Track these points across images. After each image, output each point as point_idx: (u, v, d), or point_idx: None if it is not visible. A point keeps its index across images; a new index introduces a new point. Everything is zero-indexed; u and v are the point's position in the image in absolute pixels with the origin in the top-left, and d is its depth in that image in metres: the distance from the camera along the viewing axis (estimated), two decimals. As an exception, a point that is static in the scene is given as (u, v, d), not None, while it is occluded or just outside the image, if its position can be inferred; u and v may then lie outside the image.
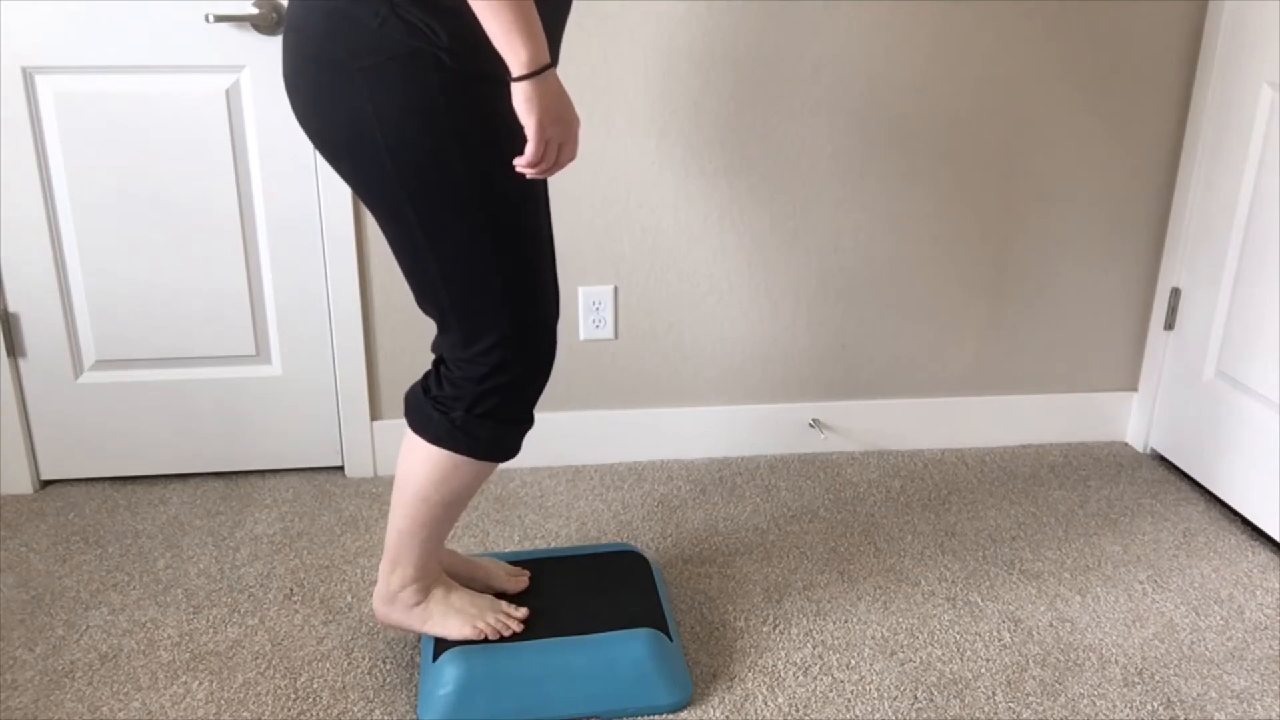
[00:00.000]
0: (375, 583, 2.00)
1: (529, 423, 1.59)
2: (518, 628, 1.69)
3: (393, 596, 1.69)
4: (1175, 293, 2.42)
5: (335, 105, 1.38)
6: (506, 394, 1.54)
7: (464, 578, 1.79)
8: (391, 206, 1.44)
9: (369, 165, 1.40)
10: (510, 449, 1.59)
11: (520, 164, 1.35)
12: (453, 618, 1.68)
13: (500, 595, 1.78)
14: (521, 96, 1.30)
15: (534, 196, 1.47)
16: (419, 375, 2.34)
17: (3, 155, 2.09)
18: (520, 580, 1.81)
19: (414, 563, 1.66)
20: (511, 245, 1.46)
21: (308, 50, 1.38)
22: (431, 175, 1.39)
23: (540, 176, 1.38)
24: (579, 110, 2.19)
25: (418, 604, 1.69)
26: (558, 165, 1.38)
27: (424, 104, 1.35)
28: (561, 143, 1.36)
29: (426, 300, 1.53)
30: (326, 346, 2.31)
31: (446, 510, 1.62)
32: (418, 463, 1.59)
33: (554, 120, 1.33)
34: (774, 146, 2.27)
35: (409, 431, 1.60)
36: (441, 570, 1.73)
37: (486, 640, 1.67)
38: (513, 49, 1.28)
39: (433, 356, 1.60)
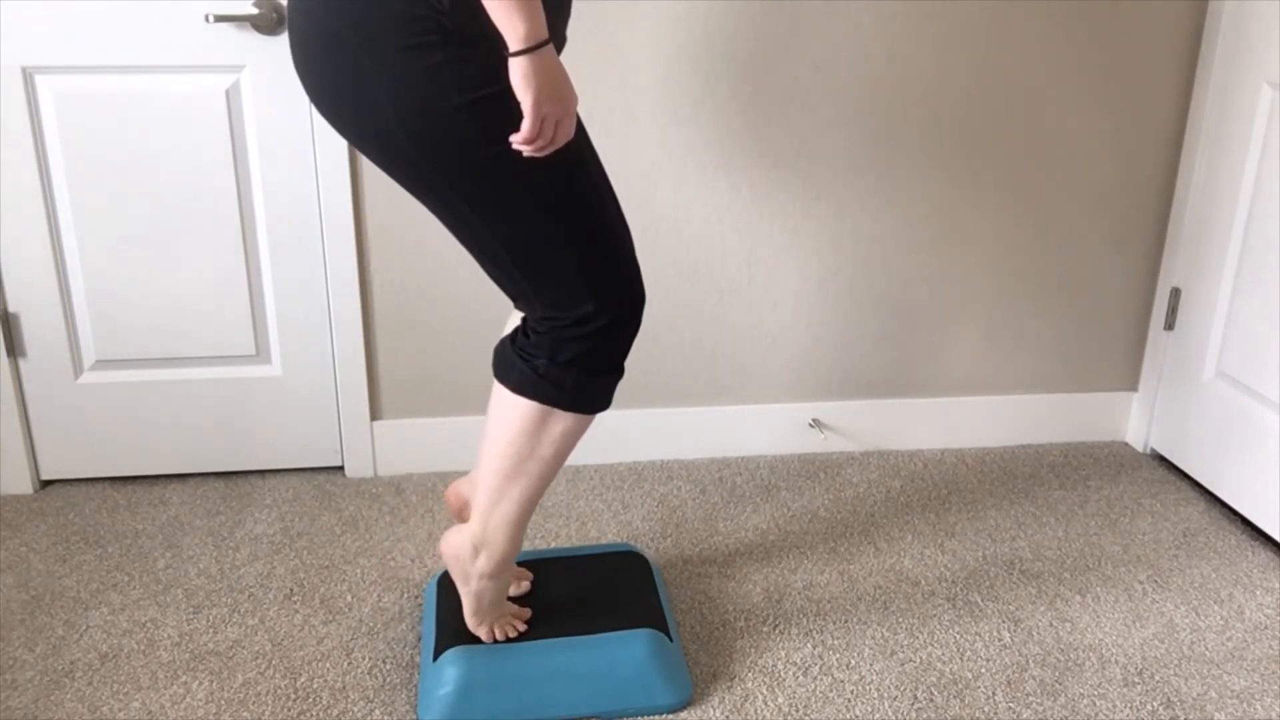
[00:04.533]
0: (375, 583, 2.00)
1: (618, 373, 1.55)
2: (522, 628, 1.70)
3: (465, 568, 1.64)
4: (1175, 293, 2.42)
5: (345, 81, 1.37)
6: (594, 341, 1.50)
7: None
8: (425, 184, 1.42)
9: (390, 142, 1.39)
10: (599, 401, 1.54)
11: (516, 141, 1.34)
12: (489, 610, 1.67)
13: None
14: (519, 72, 1.29)
15: (570, 151, 1.43)
16: (419, 375, 2.34)
17: (3, 155, 2.09)
18: (522, 584, 1.81)
19: (500, 552, 1.62)
20: (562, 201, 1.43)
21: (313, 30, 1.38)
22: (453, 143, 1.37)
23: (536, 154, 1.36)
24: (581, 112, 2.19)
25: (479, 588, 1.66)
26: (553, 144, 1.36)
27: (429, 67, 1.33)
28: (558, 120, 1.34)
29: (500, 276, 1.50)
30: (326, 346, 2.31)
31: (539, 470, 1.57)
32: (506, 416, 1.54)
33: (551, 97, 1.31)
34: (774, 146, 2.27)
35: (496, 385, 1.56)
36: (514, 569, 1.70)
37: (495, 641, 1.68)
38: (510, 23, 1.27)
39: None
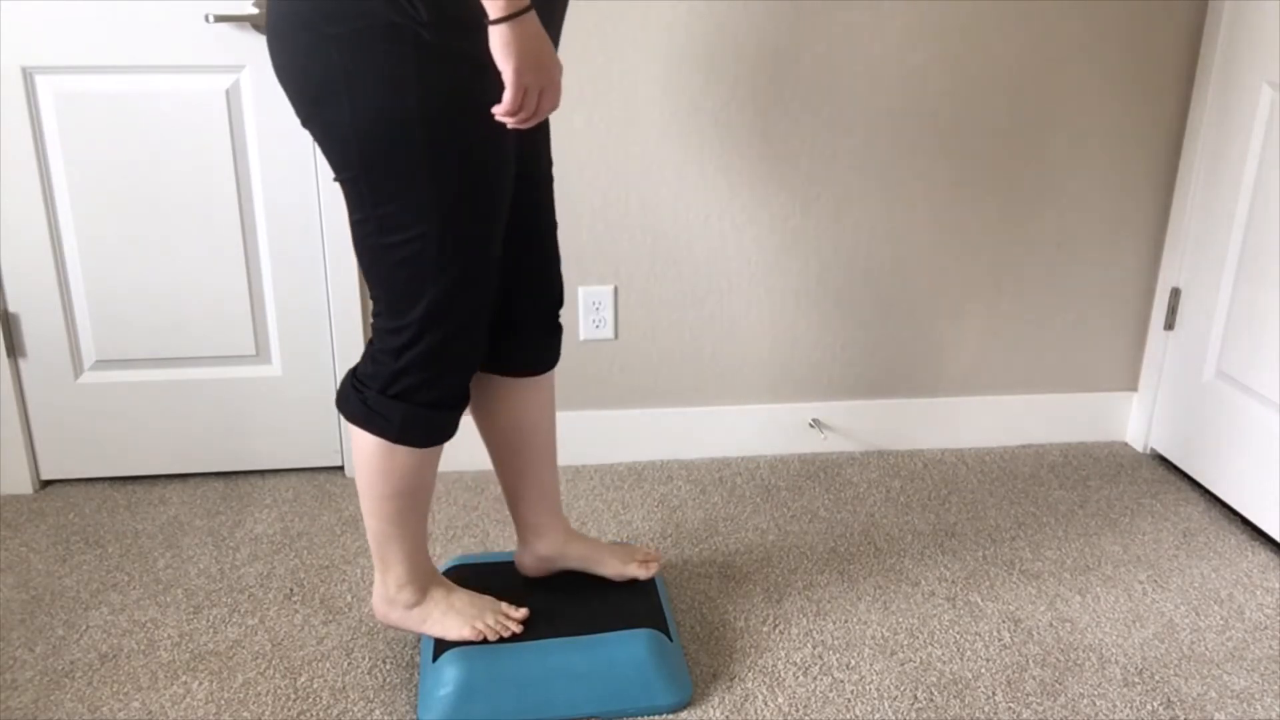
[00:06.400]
0: (375, 582, 2.00)
1: (450, 408, 1.55)
2: (517, 629, 1.69)
3: (390, 598, 1.68)
4: (1175, 293, 2.42)
5: (309, 65, 1.37)
6: (420, 374, 1.50)
7: (586, 560, 1.82)
8: (349, 170, 1.42)
9: (334, 127, 1.39)
10: (432, 434, 1.55)
11: (499, 112, 1.32)
12: (452, 618, 1.68)
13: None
14: (499, 41, 1.27)
15: (493, 181, 1.44)
16: (419, 375, 2.34)
17: (3, 155, 2.09)
18: (651, 567, 1.83)
19: (402, 562, 1.65)
20: (455, 224, 1.43)
21: (287, 9, 1.37)
22: (389, 143, 1.38)
23: (520, 127, 1.35)
24: (581, 112, 2.19)
25: (416, 604, 1.69)
26: (538, 114, 1.34)
27: (395, 75, 1.33)
28: (542, 90, 1.32)
29: (364, 268, 1.51)
30: (326, 346, 2.31)
31: (406, 502, 1.59)
32: (359, 453, 1.58)
33: (532, 66, 1.29)
34: (774, 146, 2.27)
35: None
36: (436, 569, 1.73)
37: (486, 641, 1.67)
38: None
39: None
